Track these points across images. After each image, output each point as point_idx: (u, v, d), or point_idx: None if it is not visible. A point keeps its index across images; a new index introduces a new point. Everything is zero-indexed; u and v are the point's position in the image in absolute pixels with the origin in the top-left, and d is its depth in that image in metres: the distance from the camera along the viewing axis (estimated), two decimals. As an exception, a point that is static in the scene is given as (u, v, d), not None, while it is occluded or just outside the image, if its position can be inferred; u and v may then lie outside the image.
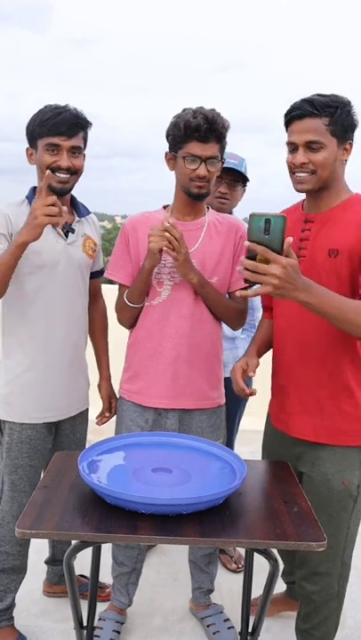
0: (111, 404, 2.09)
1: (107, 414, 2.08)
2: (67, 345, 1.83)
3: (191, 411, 1.82)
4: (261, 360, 1.82)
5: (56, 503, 1.32)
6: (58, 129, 1.67)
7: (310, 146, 1.49)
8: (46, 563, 2.17)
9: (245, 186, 2.27)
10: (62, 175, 1.71)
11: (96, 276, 2.00)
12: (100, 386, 2.09)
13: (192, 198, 1.76)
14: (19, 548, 1.84)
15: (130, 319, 1.86)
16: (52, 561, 2.14)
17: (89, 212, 1.93)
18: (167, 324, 1.78)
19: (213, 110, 1.69)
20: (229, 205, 2.23)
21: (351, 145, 1.54)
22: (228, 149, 2.18)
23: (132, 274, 1.83)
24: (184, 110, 1.72)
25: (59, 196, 1.75)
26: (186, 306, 1.78)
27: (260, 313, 2.38)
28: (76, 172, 1.75)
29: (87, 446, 1.51)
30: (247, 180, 2.24)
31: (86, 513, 1.28)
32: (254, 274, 1.25)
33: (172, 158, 1.75)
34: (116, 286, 1.89)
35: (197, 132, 1.65)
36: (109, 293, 2.08)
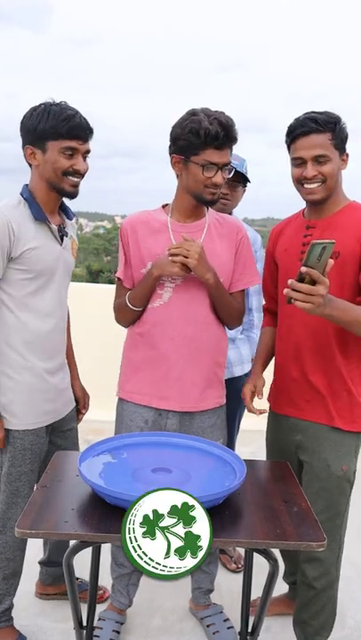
0: (85, 400, 2.09)
1: (83, 411, 2.08)
2: (60, 347, 1.84)
3: (193, 412, 1.82)
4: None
5: (56, 503, 1.32)
6: (77, 133, 1.65)
7: (318, 159, 1.61)
8: (40, 563, 2.14)
9: (246, 186, 2.27)
10: (77, 179, 1.71)
11: None
12: (72, 386, 2.04)
13: (203, 204, 1.77)
14: (19, 553, 1.84)
15: (129, 320, 1.85)
16: (47, 562, 2.12)
17: (74, 215, 1.91)
18: (169, 326, 1.77)
19: (224, 114, 1.66)
20: (230, 206, 2.23)
21: (348, 155, 1.68)
22: None
23: (130, 275, 1.82)
24: (193, 114, 1.67)
25: (69, 198, 1.78)
26: (188, 308, 1.77)
27: (259, 314, 2.38)
28: (84, 175, 1.74)
29: (87, 446, 1.51)
30: (248, 180, 2.24)
31: (86, 513, 1.28)
32: (305, 295, 1.37)
33: (181, 162, 1.71)
34: (101, 285, 1.88)
35: (217, 140, 1.63)
36: (93, 291, 2.08)
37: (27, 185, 1.76)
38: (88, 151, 1.72)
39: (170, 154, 1.74)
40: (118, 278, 1.86)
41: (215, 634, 1.98)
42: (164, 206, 1.86)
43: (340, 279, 1.60)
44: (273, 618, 2.09)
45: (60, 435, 1.92)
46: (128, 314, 1.82)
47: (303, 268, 1.35)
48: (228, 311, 1.82)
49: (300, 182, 1.66)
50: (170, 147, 1.74)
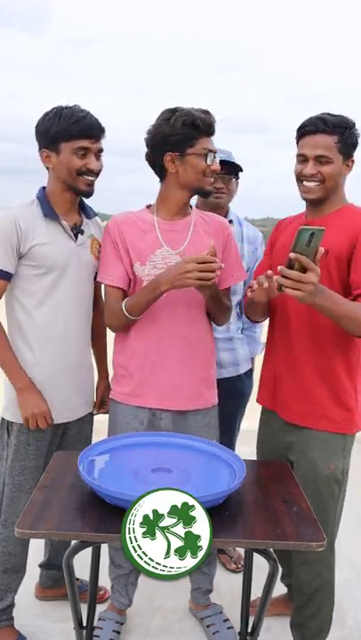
0: (104, 402, 2.07)
1: (100, 410, 2.06)
2: (76, 346, 1.83)
3: (185, 411, 1.81)
4: (258, 360, 1.86)
5: (56, 503, 1.32)
6: (88, 132, 1.69)
7: (320, 159, 1.64)
8: (41, 566, 2.13)
9: (238, 178, 2.25)
10: (91, 178, 1.74)
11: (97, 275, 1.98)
12: (97, 386, 2.08)
13: (202, 195, 1.82)
14: (21, 548, 1.85)
15: (122, 327, 1.81)
16: (48, 565, 2.12)
17: (96, 214, 1.93)
18: (160, 325, 1.76)
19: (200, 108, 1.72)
20: (226, 200, 2.21)
21: (353, 162, 1.70)
22: (221, 148, 2.19)
23: (125, 275, 1.78)
24: (173, 111, 1.70)
25: (86, 197, 1.81)
26: (179, 307, 1.76)
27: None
28: (99, 174, 1.77)
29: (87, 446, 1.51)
30: (240, 170, 2.22)
31: (86, 513, 1.28)
32: (294, 282, 1.36)
33: (176, 159, 1.71)
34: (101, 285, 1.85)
35: (210, 128, 1.69)
36: None
37: (44, 187, 1.81)
38: (101, 150, 1.75)
39: (163, 153, 1.70)
40: (108, 284, 1.80)
41: (215, 634, 1.98)
42: (148, 207, 1.85)
43: (330, 275, 1.62)
44: (273, 618, 2.08)
45: (70, 438, 1.90)
46: (122, 320, 1.77)
47: (292, 254, 1.34)
48: (220, 312, 1.83)
49: (299, 179, 1.69)
50: (158, 148, 1.71)
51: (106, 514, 1.27)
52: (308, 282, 1.36)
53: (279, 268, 1.37)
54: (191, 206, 1.86)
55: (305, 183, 1.68)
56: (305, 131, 1.67)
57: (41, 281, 1.74)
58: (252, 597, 1.72)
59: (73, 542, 1.34)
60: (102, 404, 2.08)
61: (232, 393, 2.07)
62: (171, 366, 1.78)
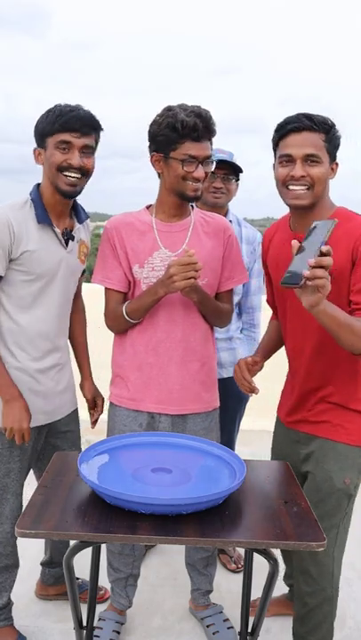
0: (96, 402, 2.07)
1: (91, 412, 2.07)
2: (57, 348, 1.83)
3: (184, 414, 1.81)
4: (269, 362, 1.87)
5: (56, 503, 1.32)
6: (70, 125, 1.62)
7: (309, 159, 1.49)
8: (43, 564, 2.14)
9: (239, 179, 2.25)
10: (72, 175, 1.66)
11: (81, 274, 1.95)
12: (82, 386, 2.06)
13: (186, 201, 1.73)
14: (10, 549, 1.84)
15: (124, 330, 1.81)
16: (50, 563, 2.12)
17: (87, 217, 1.88)
18: (158, 328, 1.76)
19: (200, 107, 1.64)
20: (225, 200, 2.21)
21: (337, 165, 1.56)
22: (219, 148, 2.18)
23: (124, 277, 1.78)
24: (169, 109, 1.64)
25: (67, 199, 1.73)
26: (177, 310, 1.75)
27: (259, 313, 2.38)
28: (86, 173, 1.70)
29: (87, 446, 1.51)
30: (240, 171, 2.23)
31: (86, 513, 1.28)
32: (321, 279, 1.21)
33: (161, 160, 1.69)
34: (95, 286, 1.84)
35: (195, 131, 1.60)
36: (88, 291, 2.07)
37: (38, 185, 1.76)
38: (87, 146, 1.67)
39: (150, 153, 1.71)
40: (108, 287, 1.80)
41: (215, 634, 1.98)
42: (148, 207, 1.84)
43: (335, 298, 1.44)
44: (273, 619, 2.08)
45: (58, 436, 1.91)
46: (122, 324, 1.78)
47: (325, 247, 1.22)
48: (215, 316, 1.82)
49: (285, 184, 1.53)
50: (149, 146, 1.71)
51: (106, 514, 1.27)
52: (328, 277, 1.23)
53: (310, 261, 1.21)
54: (193, 206, 1.85)
55: (292, 187, 1.51)
56: (288, 129, 1.49)
57: (29, 287, 1.71)
58: (253, 598, 1.72)
59: (73, 542, 1.34)
60: (94, 404, 2.07)
61: (232, 393, 2.07)
62: (169, 370, 1.77)
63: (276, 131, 1.54)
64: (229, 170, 2.16)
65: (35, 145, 1.73)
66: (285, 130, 1.51)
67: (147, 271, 1.74)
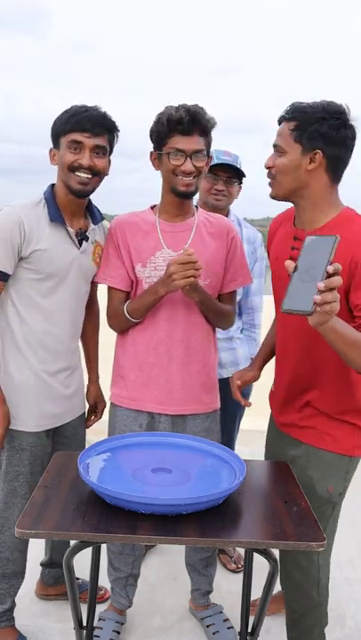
0: (97, 406, 2.07)
1: (92, 417, 2.06)
2: (68, 351, 1.82)
3: (185, 415, 1.81)
4: (269, 362, 1.86)
5: (56, 503, 1.32)
6: (81, 125, 1.63)
7: (276, 150, 1.48)
8: (42, 565, 2.13)
9: (241, 182, 2.26)
10: (82, 175, 1.65)
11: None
12: (87, 390, 2.06)
13: (179, 197, 1.71)
14: (18, 554, 1.84)
15: (124, 329, 1.82)
16: (50, 564, 2.11)
17: (103, 218, 1.87)
18: (159, 328, 1.76)
19: (197, 105, 1.65)
20: (226, 202, 2.21)
21: (320, 155, 1.42)
22: (222, 147, 2.18)
23: (126, 277, 1.79)
24: (166, 107, 1.67)
25: (79, 198, 1.72)
26: (178, 310, 1.75)
27: (259, 313, 2.38)
28: (98, 174, 1.69)
29: (87, 446, 1.51)
30: (243, 175, 2.23)
31: (86, 513, 1.28)
32: (331, 304, 1.13)
33: (157, 157, 1.70)
34: (100, 285, 1.85)
35: (180, 124, 1.61)
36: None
37: (52, 185, 1.76)
38: (98, 146, 1.66)
39: (151, 151, 1.73)
40: (110, 286, 1.81)
41: (215, 634, 1.98)
42: (152, 207, 1.84)
43: None
44: (273, 618, 2.08)
45: (64, 439, 1.90)
46: (123, 323, 1.79)
47: (331, 267, 1.13)
48: (217, 317, 1.81)
49: None
50: (152, 145, 1.73)
51: (106, 514, 1.27)
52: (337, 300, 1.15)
53: (319, 284, 1.11)
54: (197, 207, 1.85)
55: (268, 179, 1.51)
56: (278, 119, 1.51)
57: (39, 286, 1.70)
58: (253, 598, 1.72)
59: (73, 542, 1.34)
60: (94, 410, 2.07)
61: (232, 393, 2.07)
62: (169, 371, 1.77)
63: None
64: (233, 173, 2.17)
65: (51, 145, 1.73)
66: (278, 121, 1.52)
67: (149, 270, 1.75)
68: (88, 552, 1.61)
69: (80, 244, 1.76)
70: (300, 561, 1.62)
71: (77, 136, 1.63)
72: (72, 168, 1.65)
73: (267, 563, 1.38)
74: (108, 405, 2.00)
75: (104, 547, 1.95)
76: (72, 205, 1.74)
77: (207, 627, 2.01)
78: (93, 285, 1.95)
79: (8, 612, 1.89)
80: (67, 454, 1.61)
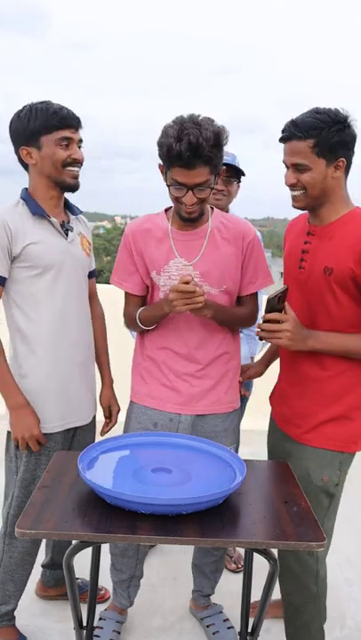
0: (111, 411, 2.04)
1: (107, 421, 2.04)
2: (79, 348, 1.81)
3: (205, 415, 1.80)
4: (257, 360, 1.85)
5: (56, 503, 1.32)
6: (68, 122, 1.67)
7: (297, 167, 1.51)
8: (44, 567, 2.13)
9: (240, 181, 2.25)
10: (75, 169, 1.72)
11: (91, 275, 1.95)
12: (101, 392, 2.04)
13: (184, 222, 1.69)
14: (29, 559, 1.84)
15: (140, 331, 1.83)
16: (51, 565, 2.10)
17: (80, 212, 1.90)
18: (179, 335, 1.75)
19: (202, 127, 1.51)
20: (225, 202, 2.21)
21: (344, 162, 1.52)
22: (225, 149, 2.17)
23: (140, 282, 1.78)
24: (171, 125, 1.55)
25: (70, 192, 1.78)
26: (197, 318, 1.72)
27: (260, 312, 2.37)
28: (82, 165, 1.75)
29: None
30: (242, 174, 2.22)
31: (86, 513, 1.28)
32: (270, 333, 1.49)
33: (164, 172, 1.64)
34: (102, 285, 1.85)
35: (180, 159, 1.52)
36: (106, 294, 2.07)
37: (26, 188, 1.77)
38: (81, 140, 1.74)
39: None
40: (125, 291, 1.81)
41: (215, 634, 1.98)
42: (166, 210, 1.81)
43: (335, 295, 1.55)
44: (273, 619, 2.08)
45: (79, 442, 1.89)
46: (139, 328, 1.79)
47: (261, 319, 1.51)
48: (234, 323, 1.80)
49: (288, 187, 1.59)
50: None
51: (106, 514, 1.27)
52: (283, 329, 1.48)
53: (257, 323, 1.51)
54: (212, 208, 1.80)
55: (290, 192, 1.57)
56: (281, 137, 1.54)
57: (38, 282, 1.70)
58: (253, 598, 1.71)
59: (73, 542, 1.34)
60: (109, 414, 2.04)
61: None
62: (190, 378, 1.77)
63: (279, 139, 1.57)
64: (231, 172, 2.17)
65: (13, 146, 1.72)
66: (281, 138, 1.54)
67: (164, 279, 1.73)
68: (88, 552, 1.61)
69: (67, 235, 1.78)
70: (300, 552, 1.63)
71: (66, 132, 1.68)
72: (65, 164, 1.69)
73: (267, 563, 1.38)
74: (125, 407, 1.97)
75: (105, 547, 1.95)
76: (52, 200, 1.76)
77: (207, 627, 2.02)
78: (91, 282, 1.95)
79: (11, 612, 1.89)
80: (67, 454, 1.61)
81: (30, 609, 2.10)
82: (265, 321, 1.50)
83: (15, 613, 1.93)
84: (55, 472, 1.49)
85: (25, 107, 1.69)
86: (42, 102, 1.69)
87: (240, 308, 1.82)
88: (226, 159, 2.13)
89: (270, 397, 1.86)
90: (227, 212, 2.26)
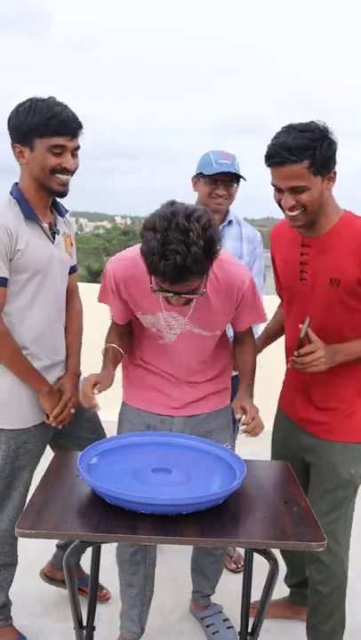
0: (62, 397, 1.89)
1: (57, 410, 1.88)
2: (55, 346, 1.82)
3: (197, 415, 1.80)
4: (267, 357, 1.92)
5: (56, 503, 1.32)
6: (64, 129, 1.60)
7: (295, 190, 1.49)
8: (58, 547, 2.11)
9: (239, 182, 2.25)
10: (64, 177, 1.66)
11: (72, 271, 1.90)
12: (60, 377, 1.88)
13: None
14: (8, 547, 1.83)
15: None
16: (65, 546, 2.03)
17: (67, 211, 1.87)
18: (176, 356, 1.73)
19: (190, 241, 1.30)
20: (226, 205, 2.22)
21: (335, 173, 1.53)
22: (218, 148, 2.17)
23: (123, 315, 1.73)
24: (159, 229, 1.31)
25: (60, 197, 1.74)
26: (195, 342, 1.70)
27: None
28: (73, 173, 1.70)
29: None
30: (243, 178, 2.22)
31: (86, 513, 1.28)
32: (309, 363, 1.52)
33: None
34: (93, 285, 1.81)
35: (164, 277, 1.36)
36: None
37: (17, 183, 1.74)
38: (77, 148, 1.67)
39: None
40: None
41: (215, 634, 1.98)
42: None
43: (345, 305, 1.57)
44: (273, 619, 2.08)
45: (63, 436, 1.90)
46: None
47: (295, 354, 1.53)
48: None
49: (281, 207, 1.55)
50: None
51: (106, 514, 1.27)
52: (318, 357, 1.51)
53: (292, 358, 1.53)
54: None
55: (288, 213, 1.53)
56: (272, 162, 1.48)
57: (28, 286, 1.70)
58: (253, 598, 1.71)
59: (73, 542, 1.34)
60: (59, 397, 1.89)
61: (231, 392, 2.07)
62: (184, 386, 1.77)
63: (265, 159, 1.51)
64: (232, 176, 2.16)
65: (9, 139, 1.67)
66: (269, 162, 1.49)
67: (150, 323, 1.69)
68: (88, 552, 1.61)
69: (53, 238, 1.76)
70: (328, 543, 1.63)
71: (61, 140, 1.61)
72: (54, 171, 1.64)
73: (267, 563, 1.38)
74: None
75: (104, 546, 1.95)
76: (42, 202, 1.74)
77: (207, 627, 2.01)
78: (71, 278, 1.92)
79: (4, 608, 1.88)
80: (67, 454, 1.62)
81: (30, 609, 2.09)
82: (299, 356, 1.53)
83: (15, 613, 1.93)
84: (55, 472, 1.49)
85: (27, 101, 1.63)
86: (44, 100, 1.62)
87: (244, 354, 1.80)
88: (225, 163, 2.12)
89: (281, 398, 1.87)
90: (226, 212, 2.26)
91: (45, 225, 1.74)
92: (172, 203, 1.41)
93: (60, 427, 1.83)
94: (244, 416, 1.57)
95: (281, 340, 1.91)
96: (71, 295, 1.94)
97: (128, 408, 1.84)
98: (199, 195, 2.21)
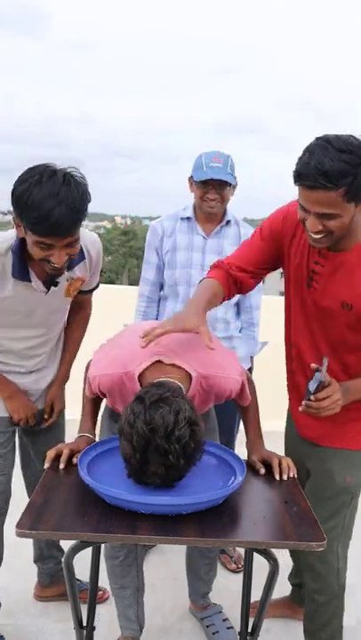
0: (53, 408, 1.93)
1: (45, 417, 1.92)
2: (33, 354, 1.81)
3: None
4: (268, 361, 1.82)
5: (56, 503, 1.32)
6: (54, 232, 1.42)
7: (325, 216, 1.34)
8: (35, 562, 2.11)
9: (233, 183, 2.23)
10: (55, 265, 1.50)
11: (88, 292, 1.87)
12: (49, 386, 1.92)
13: None
14: None
15: None
16: (41, 558, 2.08)
17: (84, 257, 1.70)
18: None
19: (171, 450, 1.24)
20: (219, 208, 2.20)
21: None
22: (213, 148, 2.16)
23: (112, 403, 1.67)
24: (139, 437, 1.24)
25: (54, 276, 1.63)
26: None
27: (258, 312, 2.37)
28: (63, 266, 1.54)
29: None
30: (235, 183, 2.21)
31: (86, 513, 1.28)
32: (325, 409, 1.42)
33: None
34: (102, 285, 1.81)
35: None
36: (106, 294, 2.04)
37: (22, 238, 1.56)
38: (71, 243, 1.48)
39: None
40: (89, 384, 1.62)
41: (215, 634, 1.98)
42: (141, 374, 1.48)
43: (354, 329, 1.51)
44: (273, 619, 2.08)
45: (31, 437, 1.94)
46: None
47: (312, 398, 1.42)
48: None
49: (305, 226, 1.41)
50: None
51: (106, 514, 1.27)
52: (335, 400, 1.42)
53: (306, 402, 1.42)
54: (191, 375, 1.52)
55: (311, 235, 1.39)
56: (302, 184, 1.32)
57: (7, 319, 1.69)
58: (253, 598, 1.71)
59: (73, 542, 1.34)
60: (50, 411, 1.93)
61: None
62: None
63: (293, 177, 1.35)
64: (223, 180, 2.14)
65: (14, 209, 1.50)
66: (300, 182, 1.33)
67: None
68: (88, 552, 1.61)
69: (48, 289, 1.66)
70: (323, 552, 1.62)
71: (49, 240, 1.44)
72: (43, 259, 1.50)
73: (267, 563, 1.38)
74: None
75: (104, 547, 1.94)
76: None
77: (207, 627, 2.02)
78: (87, 297, 1.90)
79: None
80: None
81: (30, 609, 2.09)
82: (316, 400, 1.42)
83: (15, 613, 1.93)
84: (55, 472, 1.48)
85: (35, 175, 1.42)
86: (42, 185, 1.40)
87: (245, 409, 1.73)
88: (217, 167, 2.10)
89: (290, 399, 1.84)
90: (223, 214, 2.24)
91: (38, 282, 1.63)
92: (161, 384, 1.36)
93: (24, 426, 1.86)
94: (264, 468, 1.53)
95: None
96: (79, 307, 1.92)
97: (108, 408, 1.79)
98: (194, 197, 2.22)
